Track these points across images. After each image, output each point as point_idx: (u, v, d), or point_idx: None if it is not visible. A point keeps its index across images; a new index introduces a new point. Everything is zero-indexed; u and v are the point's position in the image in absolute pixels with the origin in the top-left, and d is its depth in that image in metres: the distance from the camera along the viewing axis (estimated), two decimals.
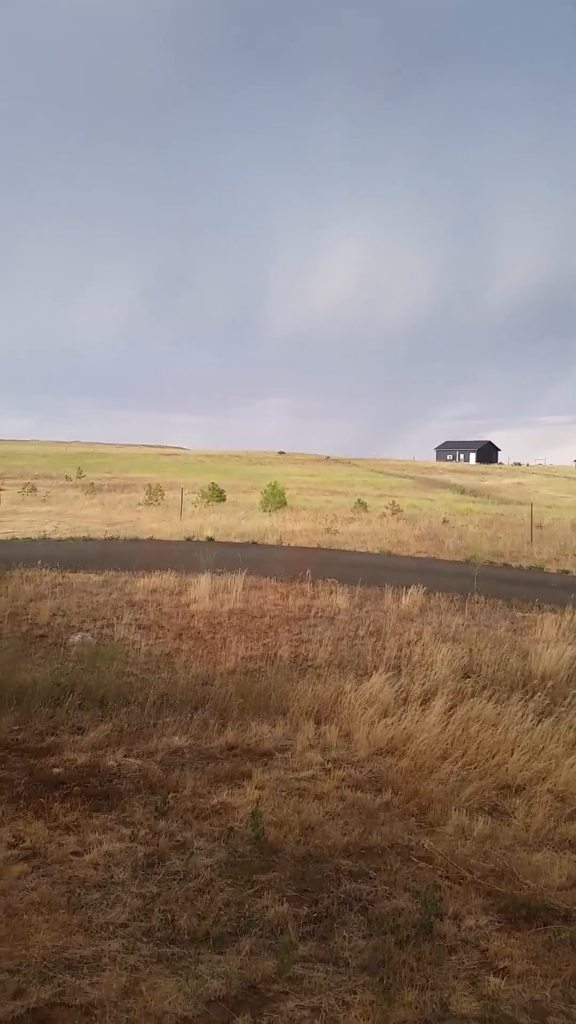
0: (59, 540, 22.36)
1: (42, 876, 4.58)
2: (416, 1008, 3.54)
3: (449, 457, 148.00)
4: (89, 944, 3.93)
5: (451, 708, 7.44)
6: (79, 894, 4.40)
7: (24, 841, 4.96)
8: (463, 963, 3.94)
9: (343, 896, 4.53)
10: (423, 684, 8.29)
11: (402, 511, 32.82)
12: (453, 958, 3.98)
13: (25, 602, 12.69)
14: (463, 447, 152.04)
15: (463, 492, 57.76)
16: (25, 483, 42.18)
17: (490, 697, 7.76)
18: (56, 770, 6.14)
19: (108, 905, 4.31)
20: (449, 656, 9.25)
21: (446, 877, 4.82)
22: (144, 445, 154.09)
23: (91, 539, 22.74)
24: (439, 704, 7.47)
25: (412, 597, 13.62)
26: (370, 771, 6.42)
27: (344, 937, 4.13)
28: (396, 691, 8.04)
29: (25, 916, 4.14)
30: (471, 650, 9.79)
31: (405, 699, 7.86)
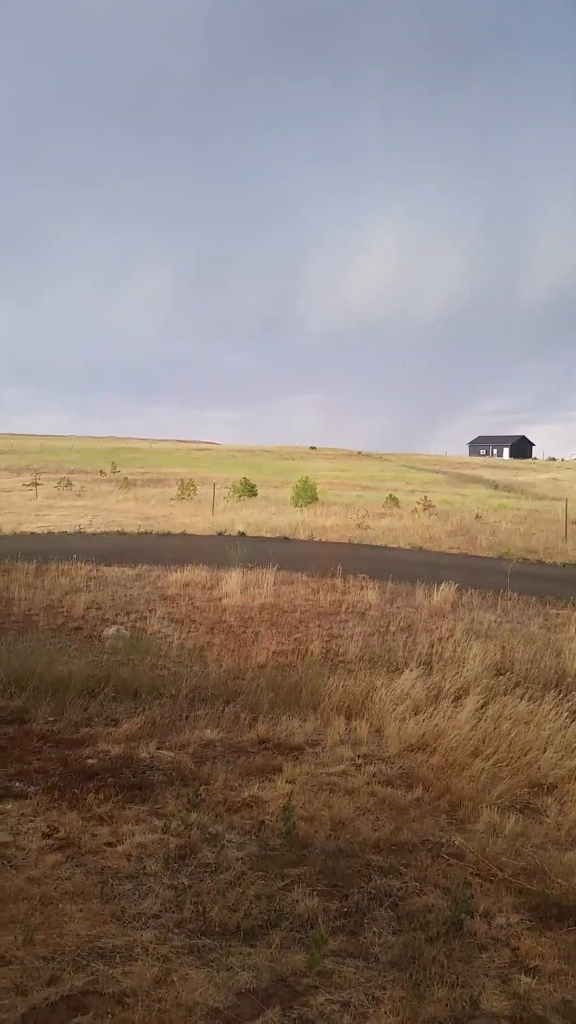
0: (93, 534, 22.62)
1: (76, 866, 4.65)
2: (446, 1005, 3.53)
3: (482, 452, 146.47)
4: (122, 934, 3.99)
5: (483, 705, 7.39)
6: (112, 884, 4.46)
7: (58, 831, 5.05)
8: (494, 961, 3.93)
9: (373, 891, 4.53)
10: (455, 681, 8.24)
11: (434, 506, 32.59)
12: (483, 956, 3.97)
13: (61, 595, 12.87)
14: (497, 442, 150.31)
15: (496, 487, 57.15)
16: (61, 478, 42.69)
17: (523, 695, 7.69)
18: (90, 761, 6.23)
19: (140, 896, 4.37)
20: (481, 653, 9.19)
21: (477, 874, 4.80)
22: (177, 440, 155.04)
23: (125, 533, 22.96)
24: (471, 701, 7.43)
25: (444, 593, 13.54)
26: (401, 767, 6.41)
27: (374, 932, 4.13)
28: (427, 688, 8.01)
29: (59, 905, 4.22)
30: (504, 647, 9.71)
31: (436, 696, 7.83)
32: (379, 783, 6.05)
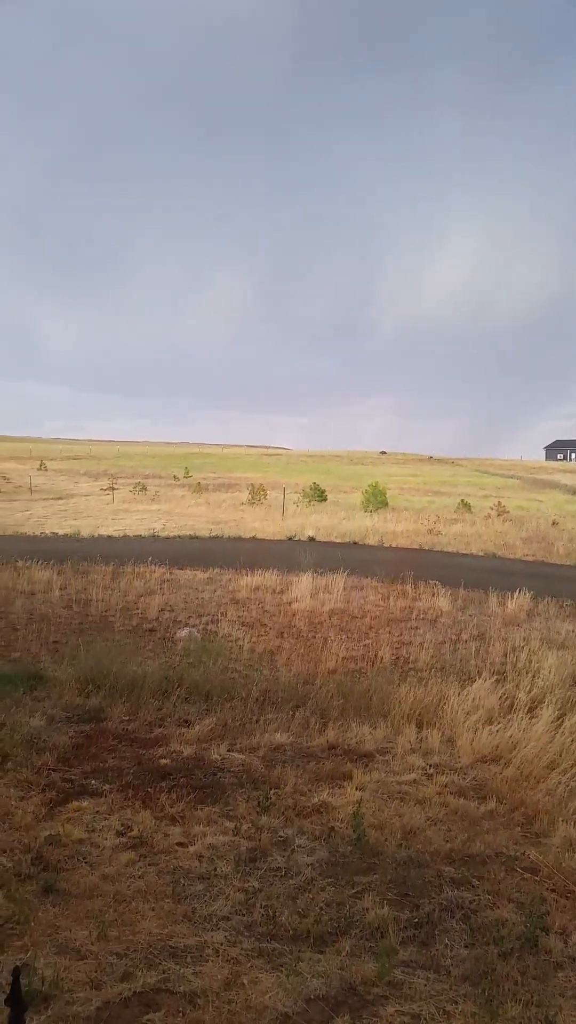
0: (167, 538, 23.03)
1: (149, 865, 4.74)
2: None
3: (559, 456, 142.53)
4: (193, 934, 4.04)
5: (560, 717, 7.19)
6: (183, 884, 4.53)
7: (132, 830, 5.15)
8: (571, 981, 3.81)
9: (445, 903, 4.46)
10: (530, 691, 8.04)
11: (508, 512, 31.88)
12: (560, 975, 3.86)
13: (136, 597, 13.15)
14: (575, 446, 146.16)
15: (574, 493, 55.55)
16: (136, 482, 43.61)
17: None
18: (163, 761, 6.33)
19: (211, 897, 4.41)
20: (558, 663, 8.94)
21: (552, 890, 4.67)
22: (248, 445, 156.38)
23: (197, 537, 23.29)
24: (547, 712, 7.24)
25: (518, 601, 13.24)
26: (474, 778, 6.29)
27: (445, 944, 4.07)
28: (501, 698, 7.84)
29: (132, 903, 4.30)
30: None
31: (511, 706, 7.66)
32: (451, 793, 5.96)
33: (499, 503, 33.66)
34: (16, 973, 2.19)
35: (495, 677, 8.46)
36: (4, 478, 48.75)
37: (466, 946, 4.07)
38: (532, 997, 3.64)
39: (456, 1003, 3.58)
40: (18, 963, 3.22)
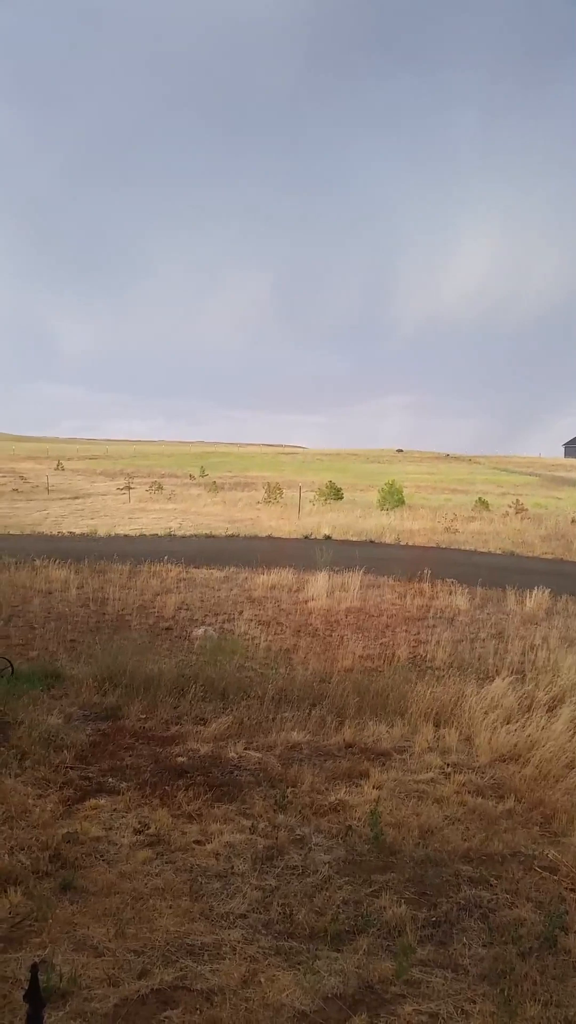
0: (183, 537, 23.09)
1: (166, 863, 4.75)
2: None
3: None
4: (210, 932, 4.04)
5: None
6: (201, 882, 4.53)
7: (149, 828, 5.16)
8: None
9: (463, 902, 4.44)
10: (549, 690, 7.98)
11: (527, 510, 31.69)
12: None
13: (152, 596, 13.19)
14: None
15: None
16: (152, 482, 43.76)
17: None
18: (180, 759, 6.35)
19: (228, 895, 4.41)
20: None
21: (572, 889, 4.64)
22: (263, 444, 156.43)
23: (213, 536, 23.33)
24: (567, 711, 7.18)
25: (537, 599, 13.16)
26: (492, 777, 6.26)
27: (463, 944, 4.05)
28: (520, 696, 7.79)
29: (150, 900, 4.31)
30: None
31: (529, 705, 7.61)
32: (469, 792, 5.93)
33: (517, 501, 33.48)
34: (34, 970, 2.20)
35: (513, 676, 8.41)
36: (22, 478, 49.10)
37: (484, 945, 4.04)
38: (551, 997, 3.61)
39: (474, 1002, 3.56)
40: (36, 960, 3.23)
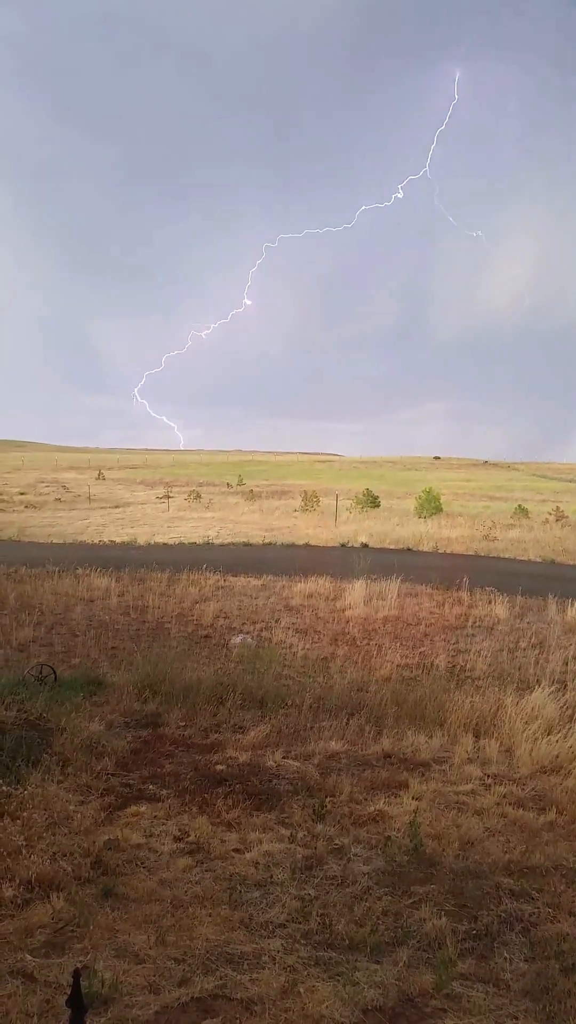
0: (221, 545, 23.22)
1: (205, 871, 4.77)
2: None
3: None
4: (249, 941, 4.05)
5: None
6: (240, 891, 4.54)
7: (189, 835, 5.20)
8: None
9: (504, 915, 4.38)
10: None
11: (567, 517, 31.22)
12: None
13: (191, 604, 13.29)
14: None
15: None
16: (191, 491, 44.11)
17: None
18: (219, 767, 6.38)
19: (268, 904, 4.42)
20: None
21: None
22: (300, 453, 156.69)
23: (250, 544, 23.42)
24: None
25: None
26: (533, 789, 6.17)
27: (505, 958, 3.99)
28: (561, 707, 7.67)
29: (190, 908, 4.33)
30: None
31: (572, 716, 7.49)
32: (510, 804, 5.85)
33: (557, 508, 32.99)
34: (76, 975, 2.24)
35: (555, 686, 8.29)
36: (65, 487, 49.88)
37: (526, 960, 3.98)
38: None
39: (516, 1018, 3.51)
40: (79, 965, 3.28)
